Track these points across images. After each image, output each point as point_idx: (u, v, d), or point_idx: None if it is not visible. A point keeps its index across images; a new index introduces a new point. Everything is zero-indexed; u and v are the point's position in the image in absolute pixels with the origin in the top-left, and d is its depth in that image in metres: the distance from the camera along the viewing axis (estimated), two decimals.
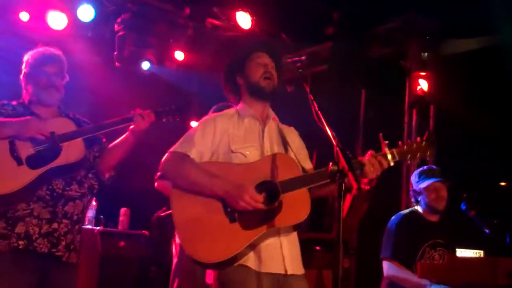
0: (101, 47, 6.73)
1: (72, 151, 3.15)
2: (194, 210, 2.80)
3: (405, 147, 2.92)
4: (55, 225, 3.10)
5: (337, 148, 2.49)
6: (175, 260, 4.49)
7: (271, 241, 2.82)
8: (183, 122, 3.74)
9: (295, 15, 6.58)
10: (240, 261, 2.76)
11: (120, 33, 6.37)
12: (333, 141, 2.57)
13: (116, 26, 6.41)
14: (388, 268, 4.11)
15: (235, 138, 2.97)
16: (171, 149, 2.96)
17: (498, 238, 4.00)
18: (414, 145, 2.93)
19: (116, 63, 6.48)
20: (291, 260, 2.86)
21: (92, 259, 5.28)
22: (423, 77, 5.94)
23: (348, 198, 6.58)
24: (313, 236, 6.07)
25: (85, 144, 3.21)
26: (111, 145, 3.39)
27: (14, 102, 3.31)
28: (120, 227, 5.81)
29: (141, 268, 5.38)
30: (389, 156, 2.86)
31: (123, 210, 5.89)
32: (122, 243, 5.45)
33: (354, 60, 6.68)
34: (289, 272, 2.84)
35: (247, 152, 2.93)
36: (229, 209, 2.77)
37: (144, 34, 6.48)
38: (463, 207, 4.16)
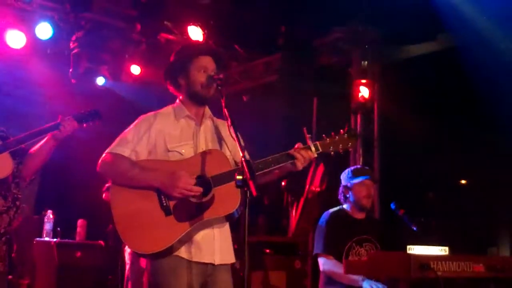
0: (60, 64, 6.88)
1: (0, 167, 3.26)
2: (132, 205, 2.96)
3: (327, 139, 3.13)
4: None
5: (242, 159, 2.71)
6: (127, 266, 4.68)
7: (205, 233, 3.02)
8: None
9: (246, 28, 6.79)
10: (174, 253, 2.95)
11: (75, 51, 6.54)
12: (241, 152, 2.78)
13: (71, 43, 6.57)
14: (323, 263, 4.30)
15: (171, 137, 3.10)
16: (107, 150, 3.09)
17: (424, 234, 4.24)
18: (337, 137, 3.14)
19: (72, 80, 6.65)
20: (220, 251, 3.07)
21: (49, 270, 5.43)
22: (364, 85, 6.20)
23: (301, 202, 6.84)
24: (268, 239, 6.27)
25: (11, 156, 3.32)
26: (32, 150, 3.48)
27: None
28: (77, 238, 5.95)
29: (98, 276, 5.52)
30: (313, 148, 3.08)
31: (80, 221, 6.02)
32: (78, 254, 5.59)
33: (304, 69, 6.92)
34: (217, 263, 3.04)
35: (183, 150, 3.08)
36: (164, 203, 2.95)
37: (98, 51, 6.65)
38: (392, 206, 4.37)
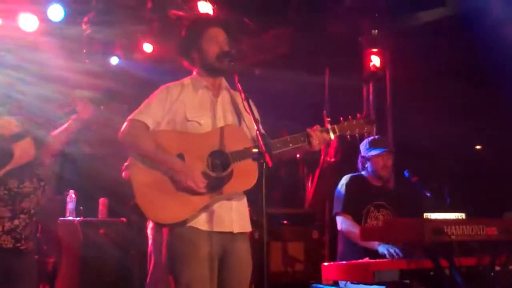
0: (73, 45, 6.96)
1: (24, 151, 3.38)
2: (151, 177, 3.04)
3: (345, 123, 3.25)
4: (16, 222, 3.36)
5: (257, 132, 2.80)
6: (150, 241, 4.80)
7: (224, 204, 3.12)
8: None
9: (256, 1, 6.80)
10: (191, 223, 3.06)
11: (88, 31, 6.62)
12: (255, 126, 2.87)
13: (83, 24, 6.65)
14: (341, 222, 4.44)
15: (190, 107, 3.17)
16: (130, 117, 3.16)
17: (439, 201, 4.31)
18: (354, 121, 3.26)
19: (86, 60, 6.75)
20: (239, 221, 3.18)
21: (74, 248, 5.59)
22: (375, 54, 6.22)
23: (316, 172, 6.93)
24: (285, 211, 6.36)
25: (33, 141, 3.44)
26: (53, 133, 3.59)
27: None
28: (100, 216, 6.10)
29: (121, 252, 5.65)
30: (331, 131, 3.20)
31: (101, 200, 6.17)
32: (102, 231, 5.73)
33: (315, 40, 6.93)
34: (235, 231, 3.15)
35: (202, 121, 3.15)
36: None
37: (111, 30, 6.72)
38: (406, 174, 4.47)
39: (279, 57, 7.27)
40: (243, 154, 3.08)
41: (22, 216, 3.39)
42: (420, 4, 6.17)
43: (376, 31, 6.16)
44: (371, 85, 6.48)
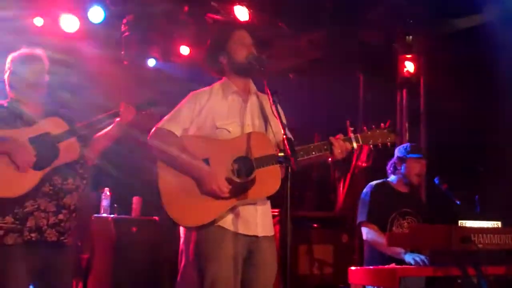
0: (112, 47, 7.12)
1: (70, 150, 3.48)
2: (177, 179, 3.13)
3: (368, 132, 3.26)
4: (60, 216, 3.47)
5: (284, 137, 2.86)
6: (181, 239, 4.90)
7: (249, 208, 3.20)
8: None
9: (291, 5, 6.85)
10: (218, 223, 3.14)
11: (126, 33, 6.77)
12: (282, 130, 2.92)
13: (122, 26, 6.80)
14: (366, 232, 4.45)
15: (219, 114, 3.24)
16: (158, 125, 3.26)
17: (469, 208, 4.30)
18: (377, 131, 3.27)
19: (124, 62, 6.90)
20: (263, 225, 3.25)
21: (107, 244, 5.73)
22: (409, 59, 6.21)
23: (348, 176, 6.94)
24: (316, 214, 6.40)
25: (78, 141, 3.54)
26: (96, 135, 3.70)
27: (4, 103, 3.56)
28: (133, 214, 6.22)
29: (152, 250, 5.77)
30: (353, 140, 3.22)
31: (135, 198, 6.29)
32: (134, 229, 5.85)
33: (349, 45, 6.94)
34: (259, 235, 3.23)
35: (230, 128, 3.23)
36: None
37: (149, 32, 6.86)
38: (436, 181, 4.46)
39: (313, 62, 7.29)
40: (267, 160, 3.13)
41: (64, 211, 3.50)
42: (456, 10, 6.13)
43: (411, 37, 6.15)
44: (404, 91, 6.47)
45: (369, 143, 3.27)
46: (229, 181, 3.11)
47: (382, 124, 3.30)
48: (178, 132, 3.23)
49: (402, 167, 4.55)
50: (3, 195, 3.34)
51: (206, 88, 3.37)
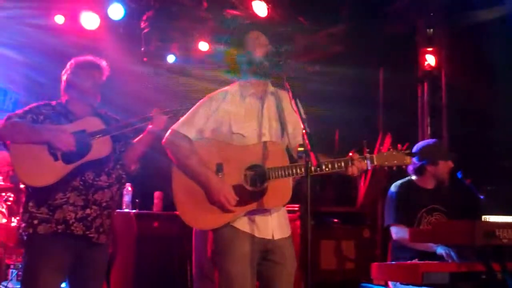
0: (132, 43, 7.17)
1: (101, 147, 3.56)
2: (189, 185, 3.17)
3: (384, 154, 3.21)
4: (87, 211, 3.53)
5: (304, 132, 2.85)
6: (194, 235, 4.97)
7: (262, 213, 3.20)
8: None
9: None
10: (233, 223, 3.16)
11: (146, 30, 6.81)
12: (302, 125, 2.91)
13: (142, 23, 6.84)
14: (396, 232, 4.41)
15: (236, 118, 3.25)
16: (173, 127, 3.28)
17: (492, 202, 4.26)
18: (394, 152, 3.21)
19: (144, 58, 6.94)
20: (279, 228, 3.26)
21: (130, 239, 5.77)
22: (430, 53, 6.15)
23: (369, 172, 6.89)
24: (337, 210, 6.37)
25: (112, 140, 3.62)
26: (135, 140, 3.78)
27: (53, 102, 3.73)
28: (155, 209, 6.26)
29: (174, 245, 5.80)
30: (368, 161, 3.18)
31: (157, 193, 6.33)
32: (156, 224, 5.89)
33: (369, 39, 6.90)
34: (275, 238, 3.23)
35: (246, 134, 3.23)
36: None
37: (168, 29, 6.89)
38: (459, 175, 4.42)
39: (333, 56, 7.26)
40: (281, 171, 3.13)
41: (94, 207, 3.56)
42: (477, 2, 6.07)
43: (432, 30, 6.09)
44: (426, 84, 6.41)
45: (384, 164, 3.22)
46: (240, 188, 3.13)
47: (399, 145, 3.24)
48: (192, 136, 3.23)
49: (433, 169, 4.48)
50: (31, 183, 3.50)
51: (222, 90, 3.36)
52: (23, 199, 3.68)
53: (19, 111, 3.63)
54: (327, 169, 3.16)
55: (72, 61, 3.76)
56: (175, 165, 3.24)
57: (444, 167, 4.47)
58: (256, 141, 3.24)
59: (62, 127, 3.55)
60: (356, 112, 6.84)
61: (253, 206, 3.14)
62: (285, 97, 3.29)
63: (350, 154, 3.16)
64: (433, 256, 4.07)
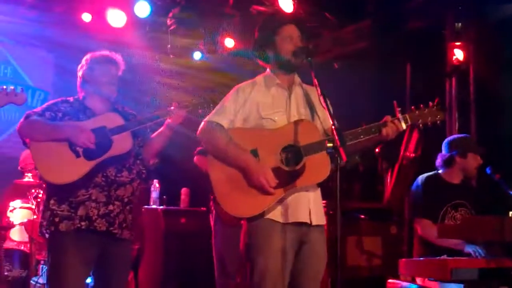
0: (158, 41, 7.23)
1: (122, 143, 3.55)
2: (227, 172, 3.19)
3: (416, 112, 3.24)
4: (110, 207, 3.54)
5: (332, 127, 2.85)
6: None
7: (300, 195, 3.19)
8: None
9: None
10: (268, 215, 3.16)
11: (172, 27, 6.86)
12: (331, 121, 2.91)
13: (168, 20, 6.89)
14: (423, 226, 4.37)
15: (264, 105, 3.27)
16: (206, 118, 3.32)
17: None
18: (426, 110, 3.24)
19: (171, 55, 7.00)
20: (316, 213, 3.24)
21: (157, 235, 5.84)
22: (459, 47, 6.07)
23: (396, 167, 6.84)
24: (363, 206, 6.35)
25: (132, 136, 3.62)
26: (152, 135, 3.78)
27: (70, 99, 3.73)
28: (182, 205, 6.31)
29: (201, 241, 5.82)
30: (402, 120, 3.20)
31: (184, 190, 6.39)
32: (183, 220, 5.95)
33: (396, 34, 6.83)
34: (313, 223, 3.22)
35: (276, 118, 3.25)
36: None
37: (194, 26, 6.93)
38: (488, 171, 4.36)
39: (359, 52, 7.21)
40: (316, 147, 3.13)
41: (116, 203, 3.57)
42: None
43: (460, 24, 6.00)
44: (454, 79, 6.33)
45: (418, 122, 3.23)
46: (278, 170, 3.12)
47: (430, 103, 3.26)
48: (225, 125, 3.27)
49: (462, 162, 4.45)
50: (54, 181, 3.46)
51: (249, 81, 3.39)
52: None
53: (37, 109, 3.63)
54: (362, 136, 3.15)
55: (88, 56, 3.75)
56: (211, 155, 3.26)
57: (473, 161, 4.43)
58: (286, 123, 3.25)
59: (82, 124, 3.54)
60: (382, 108, 6.78)
61: (292, 186, 3.13)
62: (313, 91, 3.31)
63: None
64: (460, 253, 4.02)
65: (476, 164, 4.44)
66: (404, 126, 3.20)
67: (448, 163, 4.49)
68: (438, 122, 3.27)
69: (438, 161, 4.53)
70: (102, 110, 3.69)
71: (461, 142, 4.51)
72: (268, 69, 3.42)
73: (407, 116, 3.21)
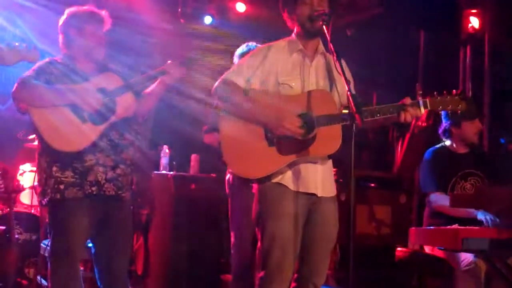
0: (168, 5, 7.14)
1: (126, 106, 3.53)
2: (239, 133, 3.15)
3: (438, 97, 3.15)
4: (118, 171, 3.54)
5: (348, 93, 2.80)
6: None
7: (309, 166, 3.18)
8: None
9: None
10: (278, 179, 3.14)
11: None
12: (346, 86, 2.86)
13: None
14: (437, 199, 4.37)
15: (282, 70, 3.22)
16: (223, 76, 3.27)
17: None
18: (448, 97, 3.15)
19: (181, 20, 6.91)
20: (322, 185, 3.22)
21: (167, 200, 5.85)
22: (474, 14, 5.96)
23: (406, 136, 6.80)
24: (373, 174, 6.32)
25: (134, 97, 3.59)
26: (145, 91, 3.72)
27: (58, 59, 3.56)
28: (191, 171, 6.30)
29: (210, 207, 5.84)
30: (422, 105, 3.13)
31: (193, 156, 6.36)
32: (193, 186, 5.94)
33: (409, 1, 6.72)
34: (319, 195, 3.20)
35: (293, 84, 3.20)
36: (269, 134, 3.13)
37: None
38: (502, 141, 4.32)
39: (373, 18, 7.09)
40: (329, 119, 3.10)
41: (121, 166, 3.57)
42: None
43: None
44: (468, 47, 6.23)
45: (438, 109, 3.17)
46: (290, 137, 3.09)
47: (454, 91, 3.17)
48: (241, 84, 3.22)
49: (458, 132, 4.42)
50: (65, 149, 3.38)
51: (272, 43, 3.34)
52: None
53: (29, 72, 3.44)
54: (378, 115, 3.11)
55: (72, 10, 3.56)
56: (223, 113, 3.22)
57: (470, 128, 4.40)
58: (302, 92, 3.21)
59: (85, 86, 3.45)
60: (395, 76, 6.71)
61: (303, 153, 3.11)
62: (332, 59, 3.23)
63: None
64: (473, 222, 4.02)
65: (475, 130, 4.40)
66: (423, 110, 3.14)
67: (446, 134, 4.48)
68: (459, 112, 3.20)
69: (440, 133, 4.52)
70: (93, 71, 3.58)
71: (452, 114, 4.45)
72: (293, 33, 3.36)
73: (427, 101, 3.13)
